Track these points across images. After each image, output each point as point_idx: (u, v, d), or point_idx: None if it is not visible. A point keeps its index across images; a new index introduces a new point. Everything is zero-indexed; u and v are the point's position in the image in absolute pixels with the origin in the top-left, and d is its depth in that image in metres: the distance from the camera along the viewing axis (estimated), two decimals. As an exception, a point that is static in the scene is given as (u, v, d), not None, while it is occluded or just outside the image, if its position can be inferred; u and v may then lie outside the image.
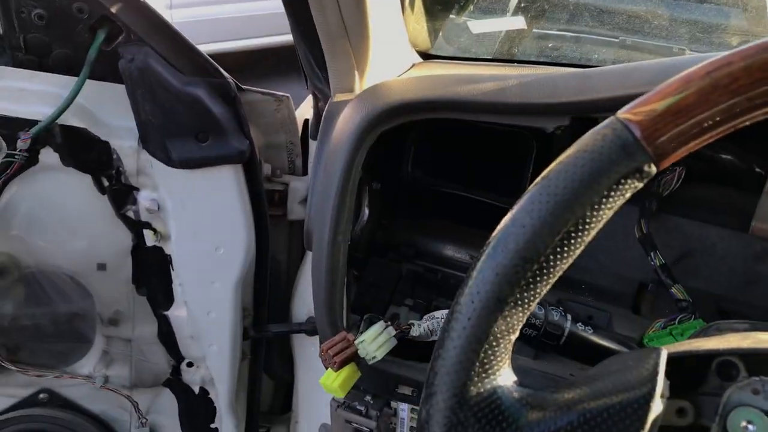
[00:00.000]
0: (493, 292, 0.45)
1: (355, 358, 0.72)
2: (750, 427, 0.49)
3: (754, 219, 0.90)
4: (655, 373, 0.45)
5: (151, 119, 1.01)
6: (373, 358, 0.73)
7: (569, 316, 0.66)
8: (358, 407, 1.02)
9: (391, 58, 0.99)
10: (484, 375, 0.45)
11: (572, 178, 0.44)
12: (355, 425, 1.03)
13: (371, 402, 1.00)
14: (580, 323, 0.67)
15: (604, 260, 0.97)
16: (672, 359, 0.51)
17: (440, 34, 1.18)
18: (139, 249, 1.13)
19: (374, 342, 0.72)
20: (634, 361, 0.47)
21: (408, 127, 0.98)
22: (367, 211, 1.01)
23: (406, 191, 1.08)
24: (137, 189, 1.09)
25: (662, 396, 0.46)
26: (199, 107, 1.01)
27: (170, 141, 1.02)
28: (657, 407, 0.44)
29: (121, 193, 1.09)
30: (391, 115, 0.81)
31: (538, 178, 0.47)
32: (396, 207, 1.08)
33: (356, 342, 0.72)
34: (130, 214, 1.10)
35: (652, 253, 0.88)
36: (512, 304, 0.45)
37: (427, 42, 1.13)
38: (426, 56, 1.12)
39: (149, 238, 1.11)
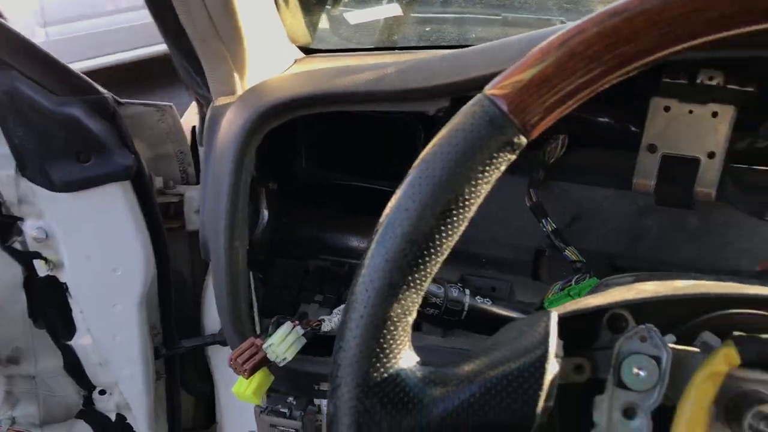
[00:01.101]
0: (385, 278, 0.46)
1: (265, 362, 0.71)
2: (641, 373, 0.52)
3: (635, 176, 0.95)
4: (547, 335, 0.46)
5: (26, 144, 0.96)
6: (284, 359, 0.72)
7: (468, 291, 0.68)
8: (281, 410, 1.01)
9: (271, 55, 0.98)
10: (385, 360, 0.46)
11: (447, 158, 0.46)
12: (281, 428, 1.02)
13: (294, 403, 0.99)
14: (479, 296, 0.69)
15: (501, 233, 1.01)
16: (564, 320, 0.53)
17: (319, 27, 1.18)
18: (31, 281, 1.08)
19: (283, 343, 0.71)
20: (527, 327, 0.49)
21: (297, 123, 0.97)
22: (266, 213, 1.00)
23: (303, 188, 1.08)
24: (21, 219, 1.03)
25: (557, 356, 0.48)
26: (76, 126, 0.97)
27: (50, 165, 0.98)
28: (552, 368, 0.46)
29: (4, 225, 1.04)
30: (274, 114, 0.81)
31: (417, 161, 0.47)
32: (296, 204, 1.07)
33: (264, 346, 0.71)
34: (17, 245, 1.05)
35: (543, 220, 0.91)
36: (405, 287, 0.46)
37: (307, 36, 1.13)
38: (308, 51, 1.12)
39: (41, 269, 1.07)
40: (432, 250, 0.46)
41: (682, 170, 0.93)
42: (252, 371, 0.70)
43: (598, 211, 0.98)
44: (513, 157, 0.47)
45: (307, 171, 1.02)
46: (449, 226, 0.46)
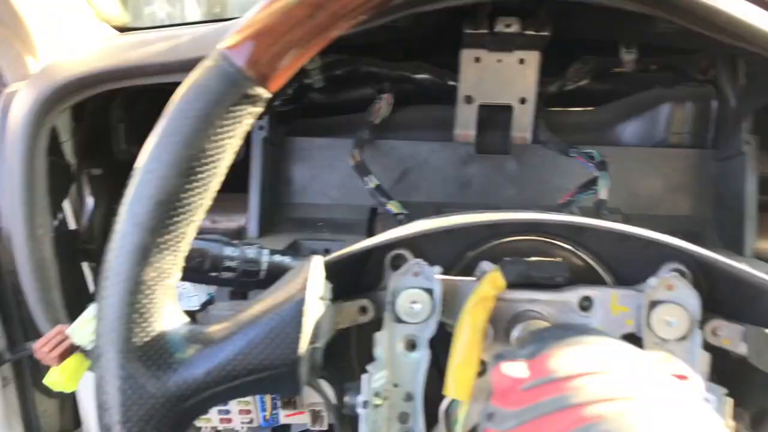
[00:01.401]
0: (135, 243, 0.45)
1: (73, 348, 0.69)
2: (416, 306, 0.54)
3: (455, 127, 0.98)
4: (305, 280, 0.47)
5: None
6: (91, 342, 0.70)
7: (266, 251, 0.68)
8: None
9: (74, 36, 0.94)
10: (145, 324, 0.45)
11: (186, 116, 0.45)
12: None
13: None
14: (277, 254, 0.69)
15: (335, 195, 1.02)
16: (342, 262, 0.55)
17: (136, 4, 1.14)
18: None
19: (87, 326, 0.69)
20: (294, 275, 0.49)
21: (110, 104, 0.94)
22: (92, 200, 0.97)
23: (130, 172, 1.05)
24: None
25: (322, 299, 0.49)
26: None
27: None
28: (314, 311, 0.47)
29: None
30: (66, 95, 0.77)
31: (160, 119, 0.47)
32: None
33: (68, 331, 0.69)
34: None
35: (365, 178, 0.93)
36: (156, 250, 0.45)
37: (121, 15, 1.08)
38: (125, 30, 1.08)
39: None
40: (181, 210, 0.45)
41: (498, 118, 0.97)
42: (60, 359, 0.67)
43: (425, 164, 1.01)
44: (256, 109, 0.46)
45: (129, 154, 0.99)
46: (197, 183, 0.45)
